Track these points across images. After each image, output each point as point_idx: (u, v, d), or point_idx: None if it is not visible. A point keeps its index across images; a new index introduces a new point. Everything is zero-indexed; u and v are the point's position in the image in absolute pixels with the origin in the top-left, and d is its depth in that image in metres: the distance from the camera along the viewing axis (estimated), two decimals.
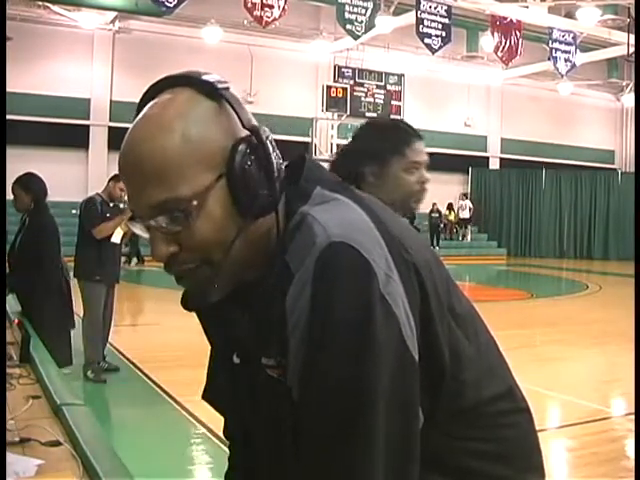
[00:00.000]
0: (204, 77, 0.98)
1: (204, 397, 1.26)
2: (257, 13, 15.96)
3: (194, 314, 1.20)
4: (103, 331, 6.34)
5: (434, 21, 17.55)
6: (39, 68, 19.63)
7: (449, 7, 17.78)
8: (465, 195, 25.29)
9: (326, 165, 1.50)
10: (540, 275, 20.35)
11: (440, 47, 17.83)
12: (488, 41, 19.87)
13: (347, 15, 17.02)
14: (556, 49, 19.41)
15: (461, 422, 1.05)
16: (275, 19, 16.20)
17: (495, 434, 1.09)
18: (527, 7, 19.29)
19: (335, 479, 0.93)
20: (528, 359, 6.96)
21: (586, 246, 26.31)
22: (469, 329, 1.08)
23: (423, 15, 17.40)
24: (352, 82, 23.33)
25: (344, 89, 22.35)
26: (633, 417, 4.97)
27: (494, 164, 27.05)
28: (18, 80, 17.48)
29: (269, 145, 0.97)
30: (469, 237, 25.04)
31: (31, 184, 4.89)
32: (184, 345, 7.03)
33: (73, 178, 19.72)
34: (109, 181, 6.26)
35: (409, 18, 18.41)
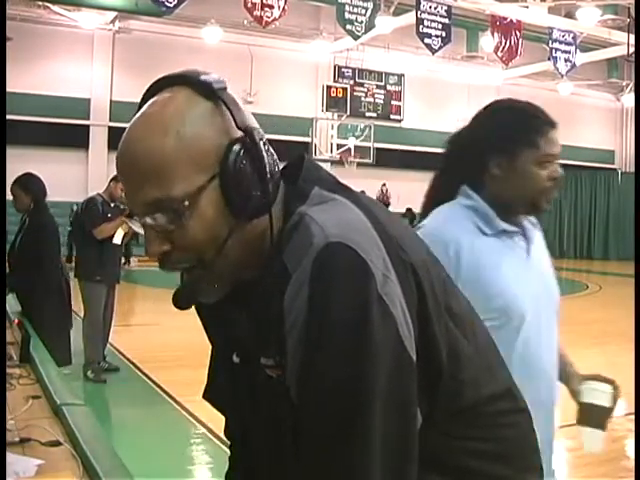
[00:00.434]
0: (202, 77, 0.99)
1: (205, 396, 1.26)
2: (257, 13, 15.95)
3: (194, 314, 1.21)
4: (103, 331, 6.34)
5: (434, 21, 17.53)
6: (39, 68, 19.63)
7: (449, 7, 17.77)
8: None
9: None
10: None
11: (440, 47, 17.82)
12: (488, 41, 19.85)
13: (347, 15, 17.01)
14: (556, 49, 19.40)
15: (460, 422, 1.05)
16: (275, 19, 16.19)
17: (494, 434, 1.09)
18: (527, 7, 19.29)
19: (332, 477, 0.93)
20: None
21: (586, 246, 26.30)
22: (467, 329, 1.08)
23: (423, 15, 17.39)
24: (352, 82, 23.35)
25: (344, 89, 22.35)
26: (633, 417, 4.96)
27: None
28: (18, 80, 17.48)
29: (262, 146, 0.98)
30: None
31: (30, 184, 4.89)
32: (184, 345, 7.03)
33: (73, 178, 19.72)
34: (110, 181, 6.26)
35: (409, 18, 18.40)
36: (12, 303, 4.54)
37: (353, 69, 23.51)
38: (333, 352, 0.91)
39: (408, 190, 23.57)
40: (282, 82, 22.57)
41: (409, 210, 22.87)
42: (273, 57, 22.16)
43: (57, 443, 1.94)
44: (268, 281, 0.99)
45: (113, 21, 20.39)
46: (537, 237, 1.89)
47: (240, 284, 1.06)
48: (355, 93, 23.31)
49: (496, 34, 18.65)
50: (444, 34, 17.63)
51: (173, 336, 8.10)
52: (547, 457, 1.58)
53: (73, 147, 20.30)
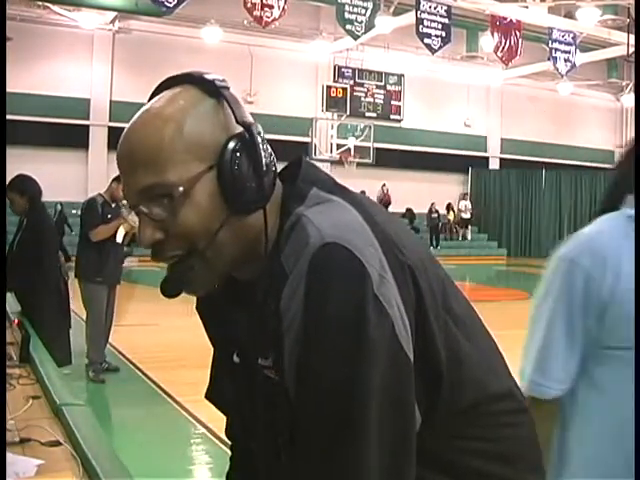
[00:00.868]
0: (205, 76, 1.01)
1: (207, 396, 1.27)
2: (257, 13, 15.96)
3: (195, 314, 1.21)
4: (110, 328, 6.35)
5: (434, 21, 17.56)
6: (39, 68, 19.64)
7: (449, 7, 17.79)
8: (466, 195, 25.31)
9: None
10: (540, 275, 20.14)
11: (440, 47, 17.84)
12: (488, 41, 19.87)
13: (347, 15, 17.03)
14: (556, 49, 19.42)
15: (461, 421, 1.05)
16: (275, 19, 16.21)
17: (495, 433, 1.09)
18: (527, 7, 19.31)
19: (330, 478, 0.93)
20: None
21: None
22: (467, 329, 1.08)
23: (423, 15, 17.41)
24: (352, 82, 23.37)
25: (344, 89, 22.36)
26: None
27: (494, 164, 27.06)
28: (18, 80, 17.48)
29: (259, 141, 0.99)
30: (469, 236, 25.05)
31: (24, 186, 4.85)
32: (184, 345, 7.03)
33: (73, 178, 19.74)
34: (112, 182, 6.24)
35: (409, 18, 18.42)
36: (12, 303, 4.53)
37: (353, 69, 23.53)
38: (329, 352, 0.91)
39: (408, 190, 23.63)
40: (282, 82, 22.59)
41: (409, 210, 22.92)
42: (273, 57, 22.17)
43: (57, 443, 1.94)
44: (266, 282, 0.99)
45: (113, 21, 20.40)
46: None
47: (239, 284, 1.06)
48: (355, 93, 23.33)
49: (496, 34, 18.67)
50: (444, 34, 17.65)
51: (173, 336, 8.10)
52: None
53: (73, 147, 20.31)
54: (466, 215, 24.76)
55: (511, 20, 18.66)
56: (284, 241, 0.99)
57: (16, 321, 3.82)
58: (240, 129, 0.99)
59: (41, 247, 4.72)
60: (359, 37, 17.67)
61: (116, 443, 4.12)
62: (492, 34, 18.81)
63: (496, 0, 18.47)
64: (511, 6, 18.82)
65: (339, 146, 22.42)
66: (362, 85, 23.89)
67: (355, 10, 17.06)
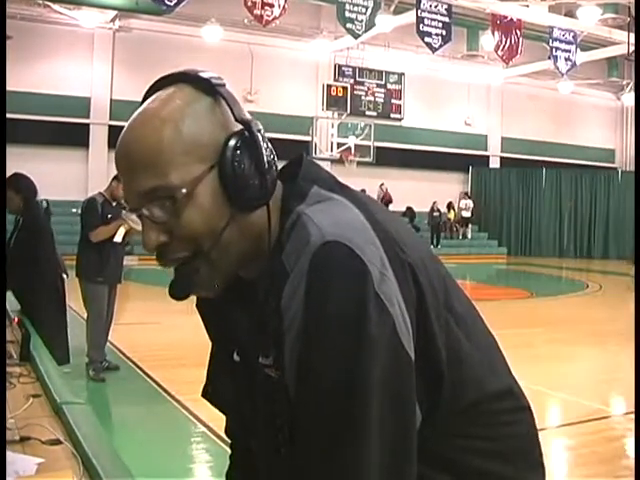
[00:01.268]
0: (201, 74, 1.01)
1: (204, 395, 1.27)
2: (257, 12, 15.95)
3: (195, 313, 1.21)
4: (110, 326, 6.35)
5: (434, 20, 17.54)
6: (39, 67, 19.63)
7: (449, 6, 17.77)
8: (466, 194, 25.31)
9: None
10: (540, 274, 20.35)
11: (440, 46, 17.83)
12: (488, 40, 19.86)
13: (347, 14, 17.01)
14: (556, 48, 19.41)
15: (462, 420, 1.05)
16: (275, 18, 16.19)
17: (496, 432, 1.09)
18: (527, 6, 19.28)
19: (330, 478, 0.93)
20: (528, 358, 6.95)
21: (586, 245, 26.32)
22: (469, 328, 1.08)
23: (423, 14, 17.40)
24: (352, 81, 23.37)
25: (344, 88, 22.36)
26: (633, 416, 4.97)
27: (494, 163, 27.06)
28: (19, 79, 17.48)
29: (260, 138, 0.98)
30: (469, 234, 25.04)
31: (19, 184, 4.82)
32: (184, 344, 7.03)
33: (73, 177, 19.75)
34: (112, 180, 6.22)
35: (409, 17, 18.41)
36: (12, 301, 4.53)
37: (353, 68, 23.52)
38: (330, 350, 0.91)
39: (408, 189, 23.63)
40: (282, 81, 22.58)
41: (409, 209, 22.91)
42: (273, 56, 22.16)
43: (57, 442, 1.94)
44: (267, 280, 0.99)
45: (113, 20, 20.39)
46: None
47: (240, 283, 1.06)
48: (355, 92, 23.32)
49: (496, 33, 18.66)
50: (444, 33, 17.63)
51: (173, 335, 8.10)
52: None
53: (73, 146, 20.31)
54: (467, 214, 24.75)
55: (512, 19, 18.65)
56: (285, 239, 0.99)
57: (16, 319, 3.82)
58: (239, 127, 0.99)
59: (37, 246, 4.71)
60: (360, 36, 17.66)
61: (116, 442, 4.12)
62: (493, 33, 18.80)
63: None
64: (512, 5, 18.80)
65: (339, 145, 22.41)
66: (362, 84, 23.88)
67: (356, 9, 17.05)
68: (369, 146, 22.47)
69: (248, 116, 1.01)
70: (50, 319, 4.50)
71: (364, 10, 17.15)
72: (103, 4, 18.45)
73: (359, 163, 22.24)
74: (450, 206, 24.59)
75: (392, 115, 24.60)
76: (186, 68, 1.03)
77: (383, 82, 24.40)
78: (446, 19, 17.70)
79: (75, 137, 20.17)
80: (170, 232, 0.97)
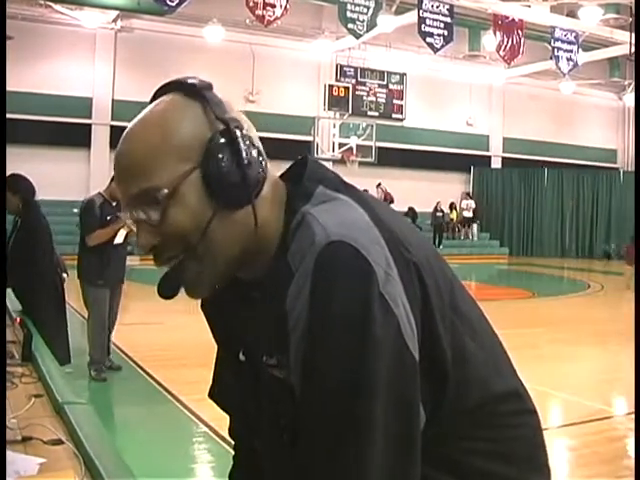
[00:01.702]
0: (189, 80, 1.03)
1: (210, 396, 1.27)
2: (259, 12, 15.95)
3: (197, 313, 1.21)
4: (113, 326, 6.35)
5: (436, 20, 17.54)
6: (41, 67, 19.64)
7: (451, 6, 17.77)
8: (468, 194, 25.30)
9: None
10: (542, 274, 20.35)
11: (442, 46, 17.82)
12: (490, 40, 19.86)
13: (349, 14, 17.01)
14: (558, 48, 19.40)
15: (466, 422, 1.05)
16: (277, 18, 16.19)
17: (501, 434, 1.09)
18: (529, 6, 19.28)
19: (334, 477, 0.93)
20: (529, 358, 6.95)
21: (588, 245, 26.30)
22: (474, 328, 1.08)
23: (425, 14, 17.39)
24: (354, 81, 23.36)
25: (346, 88, 22.37)
26: (633, 416, 4.96)
27: (496, 163, 27.05)
28: (20, 79, 17.50)
29: (239, 135, 0.99)
30: (476, 236, 25.05)
31: (18, 185, 4.81)
32: (187, 344, 7.04)
33: (75, 177, 19.76)
34: (111, 181, 6.20)
35: (411, 17, 18.41)
36: (14, 302, 4.53)
37: (355, 68, 23.52)
38: (334, 350, 0.91)
39: (410, 189, 23.62)
40: (284, 81, 22.58)
41: (411, 209, 22.89)
42: (275, 56, 22.16)
43: (59, 442, 1.94)
44: (272, 280, 1.00)
45: (115, 20, 20.40)
46: None
47: (245, 283, 1.06)
48: (357, 92, 23.32)
49: (498, 33, 18.65)
50: (446, 33, 17.63)
51: (175, 335, 8.11)
52: None
53: (75, 146, 20.31)
54: (468, 214, 24.75)
55: (513, 19, 18.64)
56: (290, 239, 0.99)
57: (18, 320, 3.82)
58: (223, 127, 1.00)
59: (35, 247, 4.70)
60: (361, 36, 17.66)
61: (118, 442, 4.12)
62: (494, 33, 18.80)
63: None
64: (513, 5, 18.80)
65: (341, 145, 22.41)
66: (364, 84, 23.87)
67: (357, 9, 17.05)
68: (371, 146, 22.47)
69: (237, 115, 1.03)
70: (50, 319, 4.50)
71: (366, 10, 17.15)
72: (105, 4, 18.47)
73: (361, 163, 22.24)
74: (452, 206, 24.58)
75: (394, 115, 24.59)
76: (182, 75, 1.06)
77: (385, 82, 24.39)
78: (448, 19, 17.69)
79: (77, 137, 20.18)
80: (162, 233, 0.99)
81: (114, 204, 6.13)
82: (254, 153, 1.00)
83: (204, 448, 4.65)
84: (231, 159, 0.98)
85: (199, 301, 1.19)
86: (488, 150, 26.81)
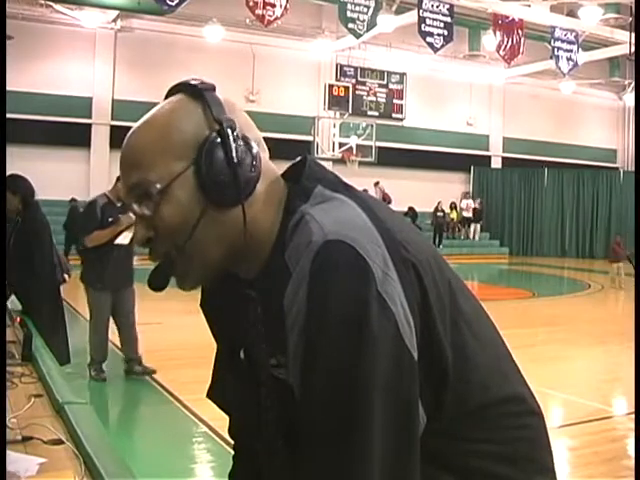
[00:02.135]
0: (191, 82, 1.06)
1: (209, 396, 1.27)
2: (259, 12, 15.94)
3: (198, 313, 1.22)
4: (131, 332, 6.25)
5: (436, 20, 17.52)
6: (41, 67, 19.64)
7: (451, 6, 17.75)
8: (468, 194, 25.30)
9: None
10: (542, 274, 20.35)
11: (442, 46, 17.81)
12: (490, 40, 19.84)
13: (349, 14, 17.00)
14: (558, 48, 19.38)
15: (468, 422, 1.05)
16: (277, 18, 16.18)
17: (503, 436, 1.08)
18: (529, 6, 19.26)
19: (333, 476, 0.93)
20: (529, 358, 6.94)
21: (588, 245, 26.28)
22: (475, 328, 1.08)
23: (425, 14, 17.38)
24: (354, 81, 23.34)
25: (346, 88, 22.35)
26: (633, 416, 4.96)
27: (496, 163, 27.05)
28: (20, 79, 17.50)
29: (230, 135, 1.00)
30: (477, 236, 25.04)
31: (16, 185, 4.80)
32: (187, 344, 7.04)
33: (75, 177, 19.75)
34: (117, 181, 6.18)
35: (411, 17, 18.40)
36: (15, 302, 4.53)
37: (355, 68, 23.50)
38: (332, 349, 0.91)
39: (410, 189, 23.62)
40: (284, 81, 22.57)
41: (411, 209, 22.88)
42: (275, 56, 22.16)
43: (59, 442, 1.94)
44: (270, 279, 1.00)
45: (115, 20, 20.39)
46: None
47: (243, 282, 1.06)
48: (357, 92, 23.30)
49: (498, 33, 18.64)
50: (446, 33, 17.62)
51: (176, 335, 8.10)
52: None
53: (75, 146, 20.30)
54: (468, 214, 24.75)
55: (513, 19, 18.63)
56: (288, 239, 0.99)
57: (18, 319, 3.82)
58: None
59: (35, 247, 4.70)
60: (361, 36, 17.64)
61: (118, 441, 4.12)
62: (494, 33, 18.79)
63: None
64: (513, 5, 18.78)
65: (341, 145, 22.39)
66: (364, 84, 23.86)
67: (357, 9, 17.04)
68: (371, 146, 22.46)
69: (234, 115, 1.03)
70: (49, 319, 4.50)
71: (366, 10, 17.13)
72: (105, 4, 18.46)
73: (361, 163, 22.23)
74: (453, 206, 24.58)
75: (394, 115, 24.58)
76: (182, 75, 1.10)
77: (385, 82, 24.38)
78: (448, 19, 17.68)
79: (77, 137, 20.17)
80: (154, 227, 1.01)
81: (119, 205, 6.12)
82: (246, 153, 1.01)
83: (204, 448, 4.65)
84: (222, 159, 0.99)
85: (199, 300, 1.19)
86: (488, 150, 26.80)
